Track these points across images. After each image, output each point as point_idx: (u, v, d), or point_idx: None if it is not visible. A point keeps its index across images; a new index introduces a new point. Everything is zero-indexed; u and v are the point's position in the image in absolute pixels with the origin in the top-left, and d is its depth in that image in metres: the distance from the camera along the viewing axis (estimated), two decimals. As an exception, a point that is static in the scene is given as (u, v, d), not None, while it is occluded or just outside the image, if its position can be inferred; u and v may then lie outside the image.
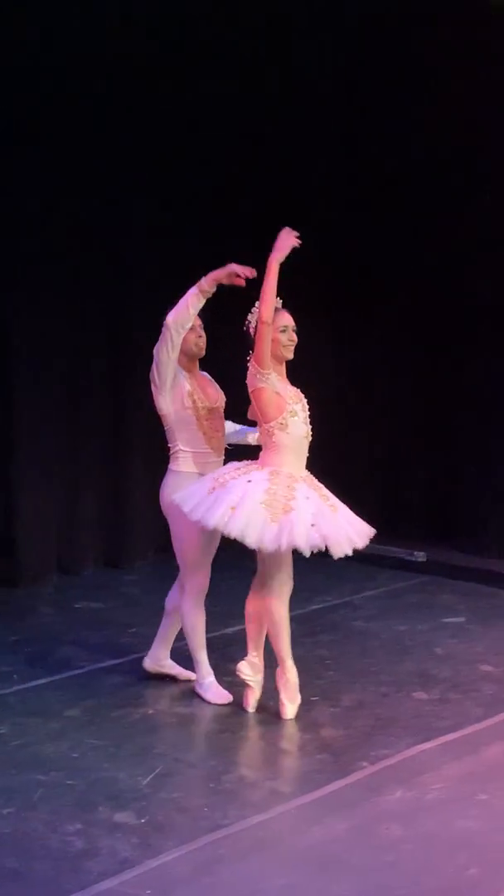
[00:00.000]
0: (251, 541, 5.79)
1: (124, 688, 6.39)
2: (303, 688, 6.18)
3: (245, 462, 6.10)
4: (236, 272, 6.04)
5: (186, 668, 6.47)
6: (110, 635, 7.31)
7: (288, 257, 5.91)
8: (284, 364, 6.11)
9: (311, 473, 6.10)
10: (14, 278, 8.32)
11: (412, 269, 9.54)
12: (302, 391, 6.15)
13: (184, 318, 6.05)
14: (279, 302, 6.05)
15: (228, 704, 6.18)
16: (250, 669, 6.13)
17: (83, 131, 8.45)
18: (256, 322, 5.97)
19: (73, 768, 5.38)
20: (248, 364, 6.02)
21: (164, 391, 6.17)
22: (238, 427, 6.47)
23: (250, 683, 6.14)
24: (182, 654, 6.48)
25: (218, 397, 6.30)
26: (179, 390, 6.17)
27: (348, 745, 5.74)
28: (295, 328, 6.08)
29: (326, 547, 5.86)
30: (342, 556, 5.92)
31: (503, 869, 4.55)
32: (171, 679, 6.48)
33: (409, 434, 9.78)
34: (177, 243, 8.96)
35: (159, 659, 6.51)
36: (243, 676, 6.13)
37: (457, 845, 4.74)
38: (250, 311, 6.05)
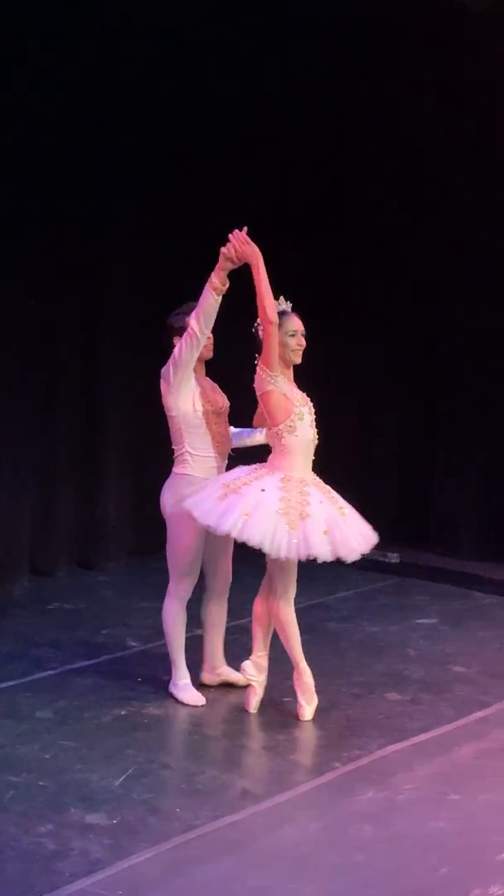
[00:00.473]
0: (269, 549, 5.80)
1: (97, 689, 6.38)
2: (275, 688, 6.21)
3: (255, 466, 6.08)
4: (229, 249, 5.96)
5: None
6: (83, 636, 7.30)
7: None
8: (292, 368, 6.12)
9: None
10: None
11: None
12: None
13: (208, 319, 6.01)
14: (289, 305, 6.08)
15: (201, 706, 6.18)
16: (255, 669, 6.14)
17: (61, 121, 8.44)
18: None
19: (45, 769, 5.37)
20: (256, 366, 6.02)
21: (175, 392, 6.13)
22: (236, 430, 6.47)
23: (253, 684, 6.15)
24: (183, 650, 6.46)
25: (223, 402, 6.30)
26: (191, 393, 6.16)
27: (320, 746, 5.75)
28: (304, 333, 6.08)
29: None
30: (352, 560, 5.97)
31: (474, 869, 4.57)
32: (229, 686, 6.47)
33: (383, 436, 9.81)
34: (154, 245, 8.98)
35: (215, 668, 6.50)
36: (247, 676, 6.14)
37: (428, 845, 4.76)
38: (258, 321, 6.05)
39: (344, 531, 5.91)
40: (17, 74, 8.09)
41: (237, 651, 6.48)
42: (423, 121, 9.28)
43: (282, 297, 6.07)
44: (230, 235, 5.99)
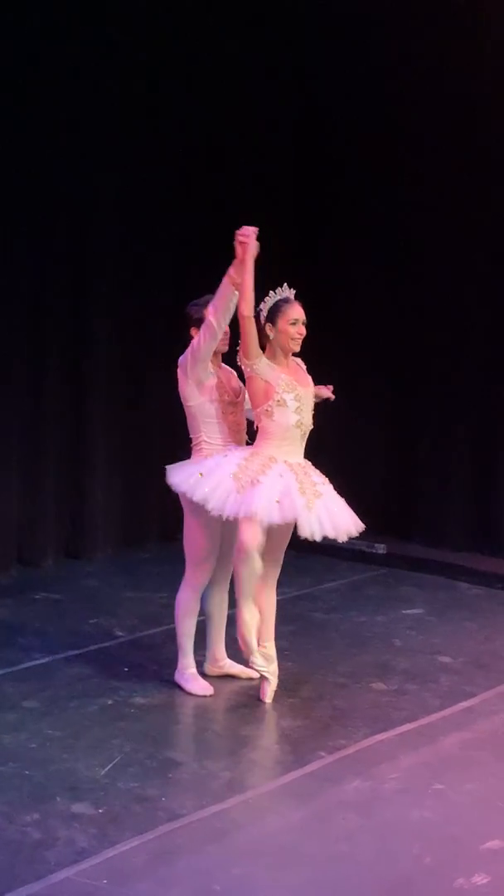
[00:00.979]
0: (212, 507, 5.88)
1: (83, 679, 6.39)
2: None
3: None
4: (240, 244, 5.97)
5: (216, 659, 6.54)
6: (70, 626, 7.30)
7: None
8: (290, 355, 6.14)
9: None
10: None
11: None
12: None
13: (225, 313, 6.04)
14: (292, 293, 6.11)
15: (209, 696, 6.20)
16: (263, 660, 6.14)
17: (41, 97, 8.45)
18: (264, 312, 6.04)
19: (31, 759, 5.37)
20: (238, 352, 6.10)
21: (193, 380, 6.15)
22: None
23: (265, 675, 6.16)
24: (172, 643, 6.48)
25: (240, 390, 6.29)
26: (208, 383, 6.17)
27: (306, 736, 5.76)
28: (305, 321, 6.10)
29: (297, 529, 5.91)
30: (308, 537, 5.94)
31: (458, 858, 4.59)
32: (231, 678, 6.47)
33: (369, 427, 9.82)
34: (141, 240, 8.98)
35: (217, 660, 6.50)
36: (257, 667, 6.14)
37: (412, 835, 4.78)
38: (262, 301, 6.07)
39: (302, 508, 5.88)
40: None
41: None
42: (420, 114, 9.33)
43: (284, 284, 6.10)
44: (238, 233, 6.01)
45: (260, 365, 6.03)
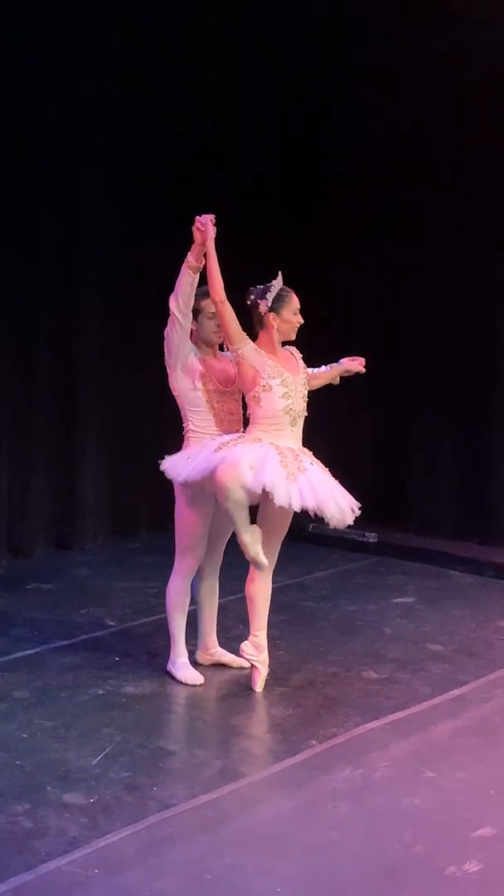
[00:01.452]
0: (192, 467, 5.94)
1: (74, 669, 6.39)
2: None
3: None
4: (198, 231, 6.01)
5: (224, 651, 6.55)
6: (61, 616, 7.30)
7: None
8: (281, 343, 6.15)
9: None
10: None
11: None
12: None
13: (185, 299, 6.05)
14: (280, 280, 6.10)
15: (199, 685, 6.20)
16: (253, 649, 6.14)
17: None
18: (258, 294, 6.04)
19: (22, 749, 5.37)
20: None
21: (175, 371, 6.17)
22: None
23: (255, 664, 6.16)
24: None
25: (233, 380, 6.25)
26: (191, 372, 6.16)
27: (297, 725, 5.77)
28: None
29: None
30: (283, 505, 5.86)
31: (449, 846, 4.59)
32: (222, 667, 6.47)
33: (358, 416, 9.82)
34: (132, 223, 8.96)
35: (208, 648, 6.51)
36: (247, 656, 6.15)
37: (403, 823, 4.78)
38: (249, 289, 6.09)
39: (280, 477, 5.84)
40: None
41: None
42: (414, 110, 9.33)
43: (279, 274, 6.09)
44: (196, 219, 6.05)
45: (246, 349, 6.03)
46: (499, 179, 9.05)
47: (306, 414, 6.17)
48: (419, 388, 9.57)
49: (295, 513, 6.03)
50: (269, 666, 6.22)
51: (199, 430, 6.19)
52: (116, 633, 7.01)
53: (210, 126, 9.30)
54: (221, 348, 6.30)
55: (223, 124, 9.35)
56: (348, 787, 5.11)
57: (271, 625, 6.38)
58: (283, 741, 5.59)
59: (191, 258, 6.04)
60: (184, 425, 6.28)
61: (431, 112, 9.24)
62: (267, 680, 6.20)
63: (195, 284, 6.05)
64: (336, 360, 6.44)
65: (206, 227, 6.02)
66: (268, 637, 6.25)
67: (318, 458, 6.14)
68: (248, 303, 6.10)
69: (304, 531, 9.19)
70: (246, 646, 6.15)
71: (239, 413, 6.31)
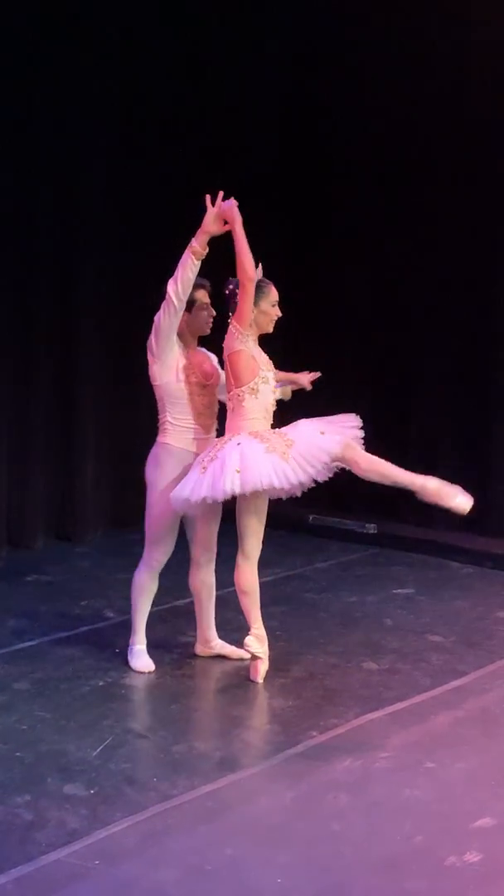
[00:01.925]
0: (277, 483, 5.82)
1: (74, 660, 6.39)
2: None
3: (217, 439, 6.11)
4: (214, 215, 5.94)
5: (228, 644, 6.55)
6: (61, 608, 7.31)
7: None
8: (258, 336, 6.11)
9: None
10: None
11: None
12: None
13: (185, 285, 5.96)
14: (260, 272, 6.04)
15: (148, 673, 6.20)
16: (257, 642, 6.14)
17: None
18: (237, 285, 5.96)
19: (22, 740, 5.37)
20: (230, 324, 6.02)
21: (160, 360, 6.10)
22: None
23: (256, 655, 6.15)
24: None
25: (213, 374, 6.23)
26: (175, 363, 6.12)
27: (297, 716, 5.77)
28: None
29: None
30: (287, 487, 5.89)
31: (449, 837, 4.60)
32: (222, 658, 6.48)
33: (357, 406, 9.78)
34: (132, 223, 8.95)
35: (208, 641, 6.51)
36: (251, 650, 6.13)
37: (403, 814, 4.79)
38: (229, 279, 6.04)
39: (265, 463, 5.82)
40: None
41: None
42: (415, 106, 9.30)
43: (260, 265, 6.06)
44: (222, 211, 5.96)
45: (251, 340, 6.01)
46: (499, 179, 9.01)
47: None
48: (420, 377, 9.55)
49: (294, 501, 6.03)
50: (270, 657, 6.23)
51: (176, 423, 6.15)
52: (117, 624, 7.00)
53: (210, 126, 9.27)
54: (200, 343, 6.27)
55: (223, 124, 9.31)
56: (348, 777, 5.11)
57: (271, 616, 6.40)
58: (283, 732, 5.59)
59: (195, 244, 5.94)
60: (160, 416, 6.23)
61: (431, 112, 9.19)
62: (267, 671, 6.20)
63: (197, 271, 5.98)
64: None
65: (233, 211, 5.92)
66: (267, 629, 6.25)
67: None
68: (227, 292, 6.05)
69: (305, 522, 9.20)
70: (250, 641, 6.13)
71: (215, 407, 6.28)
